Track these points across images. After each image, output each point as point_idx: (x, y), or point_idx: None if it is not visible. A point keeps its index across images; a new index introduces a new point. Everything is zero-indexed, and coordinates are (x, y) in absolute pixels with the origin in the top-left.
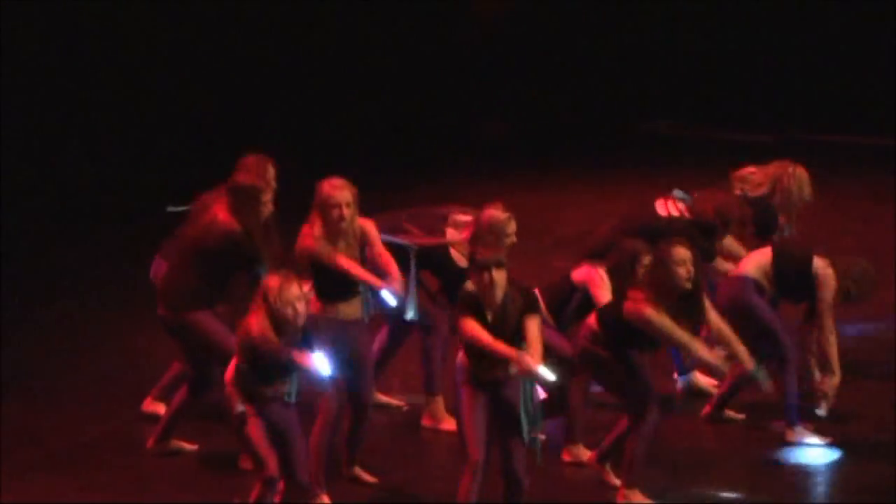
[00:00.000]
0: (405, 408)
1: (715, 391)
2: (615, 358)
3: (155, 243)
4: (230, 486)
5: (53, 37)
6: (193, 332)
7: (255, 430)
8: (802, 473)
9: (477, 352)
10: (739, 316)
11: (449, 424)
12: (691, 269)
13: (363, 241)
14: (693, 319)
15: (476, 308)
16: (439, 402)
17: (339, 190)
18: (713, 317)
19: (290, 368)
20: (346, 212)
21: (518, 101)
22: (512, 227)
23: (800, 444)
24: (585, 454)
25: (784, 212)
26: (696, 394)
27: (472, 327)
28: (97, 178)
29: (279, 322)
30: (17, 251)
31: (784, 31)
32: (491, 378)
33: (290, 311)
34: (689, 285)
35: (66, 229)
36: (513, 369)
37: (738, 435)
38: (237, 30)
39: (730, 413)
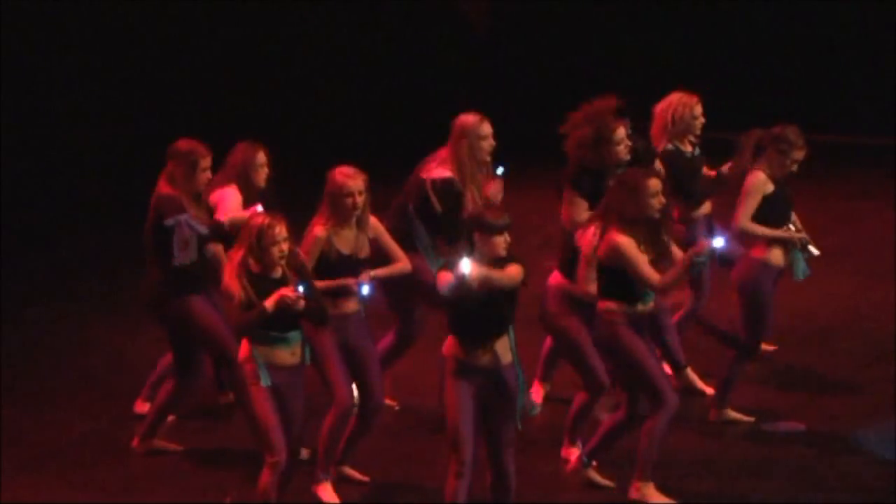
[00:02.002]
0: (396, 408)
1: (706, 388)
2: (628, 346)
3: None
4: (219, 485)
5: (52, 35)
6: (181, 323)
7: (268, 411)
8: (798, 471)
9: (467, 334)
10: (745, 295)
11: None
12: (663, 199)
13: (373, 234)
14: (657, 249)
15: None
16: None
17: (352, 178)
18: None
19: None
20: (360, 199)
21: (505, 101)
22: (486, 128)
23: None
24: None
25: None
26: (690, 392)
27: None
28: (85, 178)
29: (264, 263)
30: (3, 248)
31: (769, 30)
32: (480, 364)
33: (276, 251)
34: (658, 215)
35: (51, 230)
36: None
37: (732, 433)
38: (234, 26)
39: (735, 415)
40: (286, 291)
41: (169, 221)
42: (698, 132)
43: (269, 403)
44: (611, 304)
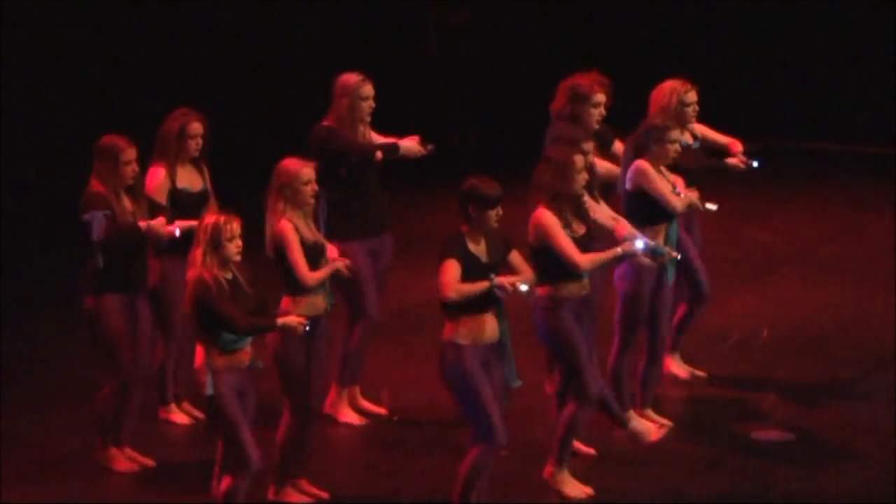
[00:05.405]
0: (395, 418)
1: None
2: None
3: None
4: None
5: (51, 37)
6: (91, 321)
7: (237, 416)
8: (798, 481)
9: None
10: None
11: (347, 417)
12: (587, 176)
13: None
14: (587, 225)
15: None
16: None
17: (306, 167)
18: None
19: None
20: (316, 188)
21: (482, 112)
22: (367, 90)
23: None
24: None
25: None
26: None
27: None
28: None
29: (222, 259)
30: (2, 259)
31: (767, 37)
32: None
33: (233, 247)
34: (582, 192)
35: (52, 236)
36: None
37: (730, 440)
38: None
39: None
40: (296, 319)
41: (86, 217)
42: (692, 121)
43: (236, 406)
44: (547, 289)
